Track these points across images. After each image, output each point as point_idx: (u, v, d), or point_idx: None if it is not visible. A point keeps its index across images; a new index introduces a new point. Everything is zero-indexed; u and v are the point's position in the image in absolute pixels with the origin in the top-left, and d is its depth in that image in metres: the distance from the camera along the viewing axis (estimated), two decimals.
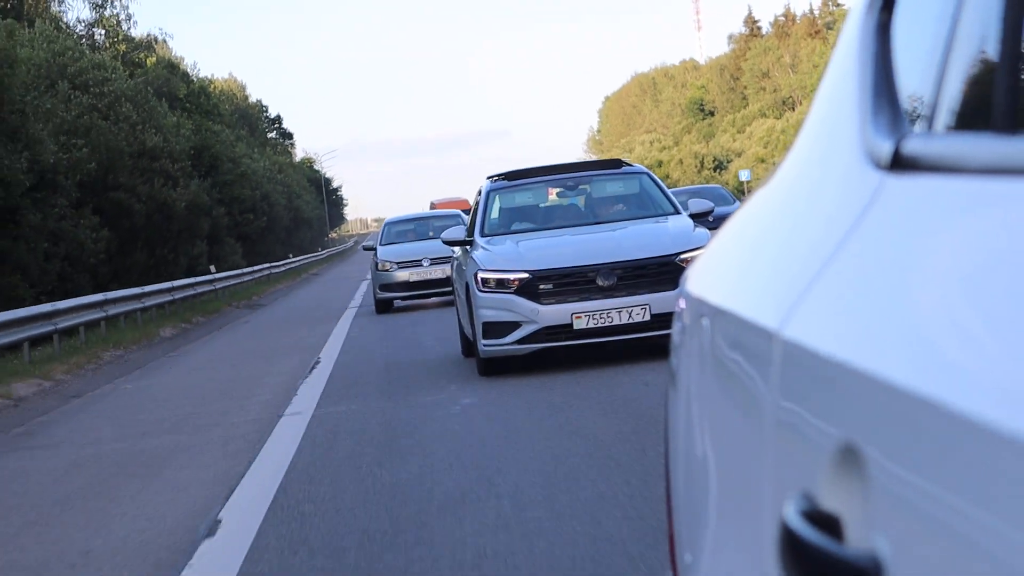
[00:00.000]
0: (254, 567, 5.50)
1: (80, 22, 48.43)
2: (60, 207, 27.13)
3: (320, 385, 12.36)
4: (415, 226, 26.87)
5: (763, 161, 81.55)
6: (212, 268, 38.55)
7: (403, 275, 24.40)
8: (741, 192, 61.18)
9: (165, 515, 6.96)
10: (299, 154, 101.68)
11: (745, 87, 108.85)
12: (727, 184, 70.56)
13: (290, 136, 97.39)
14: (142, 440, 10.21)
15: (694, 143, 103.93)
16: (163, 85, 46.11)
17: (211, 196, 41.87)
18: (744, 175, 60.80)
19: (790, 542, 1.10)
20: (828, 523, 1.08)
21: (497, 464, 7.18)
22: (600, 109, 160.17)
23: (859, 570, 1.00)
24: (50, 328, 19.98)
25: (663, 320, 10.92)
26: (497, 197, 13.05)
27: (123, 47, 47.05)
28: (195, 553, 5.90)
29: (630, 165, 13.47)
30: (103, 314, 23.21)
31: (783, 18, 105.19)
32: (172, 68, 52.92)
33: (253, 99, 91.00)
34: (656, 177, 13.28)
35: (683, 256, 11.17)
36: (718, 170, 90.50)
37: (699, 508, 1.59)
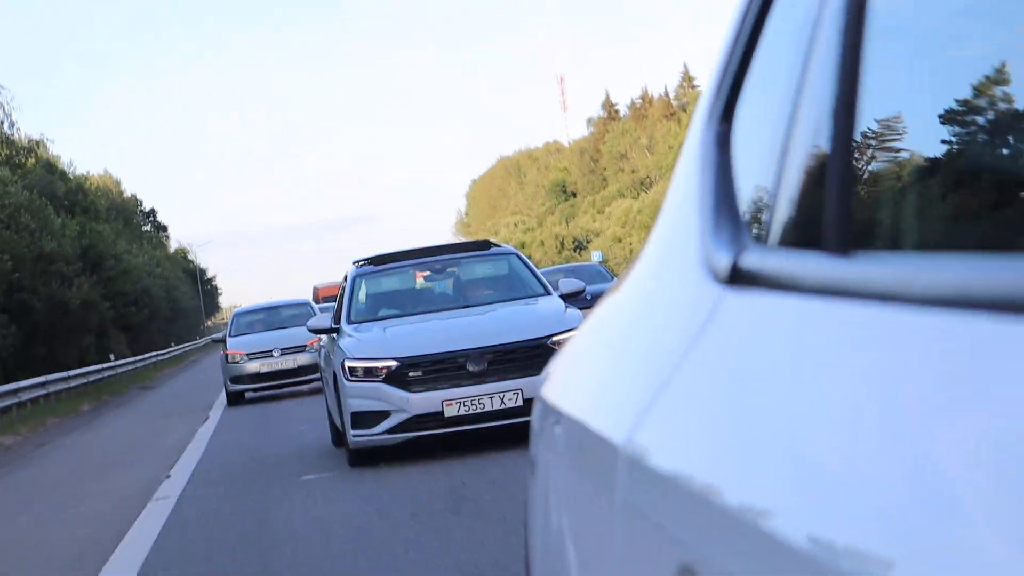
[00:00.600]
0: None
1: None
2: None
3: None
4: (264, 316, 26.44)
5: (620, 240, 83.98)
6: (111, 356, 44.17)
7: (253, 366, 23.95)
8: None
9: None
10: (173, 245, 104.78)
11: (604, 168, 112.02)
12: None
13: (164, 228, 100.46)
14: None
15: (556, 224, 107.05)
16: (46, 187, 48.40)
17: (97, 292, 45.90)
18: (596, 256, 61.45)
19: None
20: None
21: None
22: (467, 192, 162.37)
23: None
24: None
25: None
26: (363, 282, 12.74)
27: (6, 151, 49.33)
28: None
29: (498, 246, 13.28)
30: (16, 400, 27.34)
31: (640, 100, 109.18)
32: (51, 168, 55.59)
33: (128, 193, 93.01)
34: (525, 257, 13.10)
35: (555, 338, 10.95)
36: (578, 250, 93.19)
37: None
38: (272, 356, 23.95)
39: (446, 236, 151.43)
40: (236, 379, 23.85)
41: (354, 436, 10.97)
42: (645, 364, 1.39)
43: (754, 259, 1.27)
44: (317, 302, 30.13)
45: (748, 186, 1.40)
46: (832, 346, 1.01)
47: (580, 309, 11.74)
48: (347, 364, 11.09)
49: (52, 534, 10.05)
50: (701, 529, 1.06)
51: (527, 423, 9.07)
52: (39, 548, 9.31)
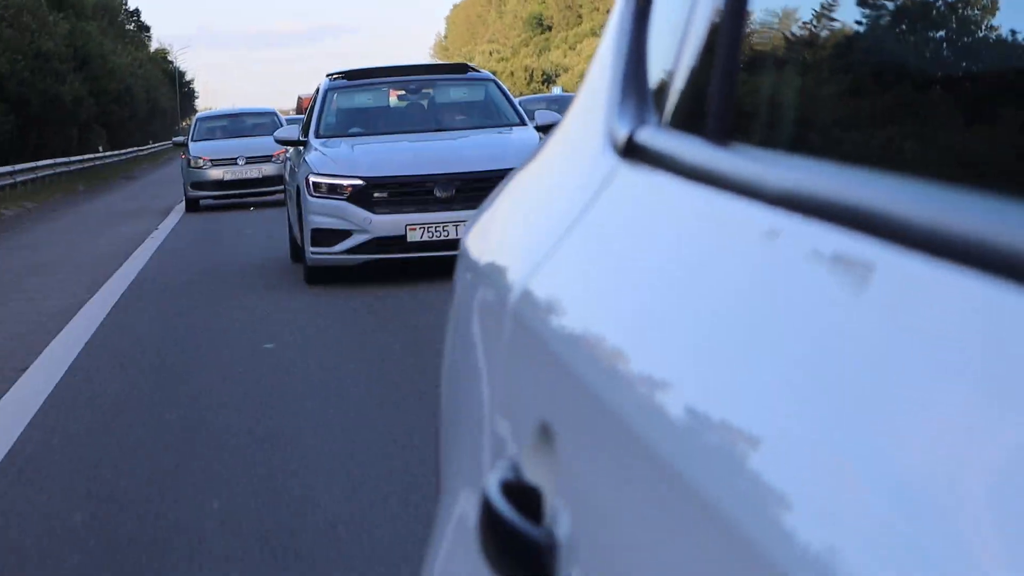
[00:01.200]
0: None
1: None
2: None
3: None
4: (228, 123, 25.24)
5: (584, 76, 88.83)
6: (100, 148, 50.86)
7: (216, 173, 22.95)
8: None
9: None
10: (154, 45, 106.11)
11: (581, 5, 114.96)
12: None
13: (147, 29, 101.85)
14: None
15: (528, 57, 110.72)
16: None
17: (84, 89, 49.93)
18: (556, 90, 61.60)
19: (488, 513, 1.12)
20: (530, 496, 1.11)
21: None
22: (448, 16, 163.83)
23: (539, 549, 1.04)
24: None
25: None
26: (335, 96, 12.38)
27: None
28: None
29: (476, 71, 12.92)
30: (11, 181, 31.78)
31: None
32: None
33: None
34: (503, 85, 12.73)
35: None
36: (546, 83, 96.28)
37: (447, 443, 1.64)
38: (236, 164, 23.00)
39: (424, 57, 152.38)
40: (197, 185, 23.01)
41: (312, 253, 10.76)
42: (541, 225, 1.43)
43: (648, 135, 1.28)
44: (301, 112, 29.62)
45: (656, 61, 1.40)
46: (696, 231, 1.07)
47: None
48: (311, 179, 10.82)
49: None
50: (560, 390, 1.12)
51: None
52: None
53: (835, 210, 0.83)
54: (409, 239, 10.48)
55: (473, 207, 10.07)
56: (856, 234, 0.79)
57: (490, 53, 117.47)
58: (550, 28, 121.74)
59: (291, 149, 12.61)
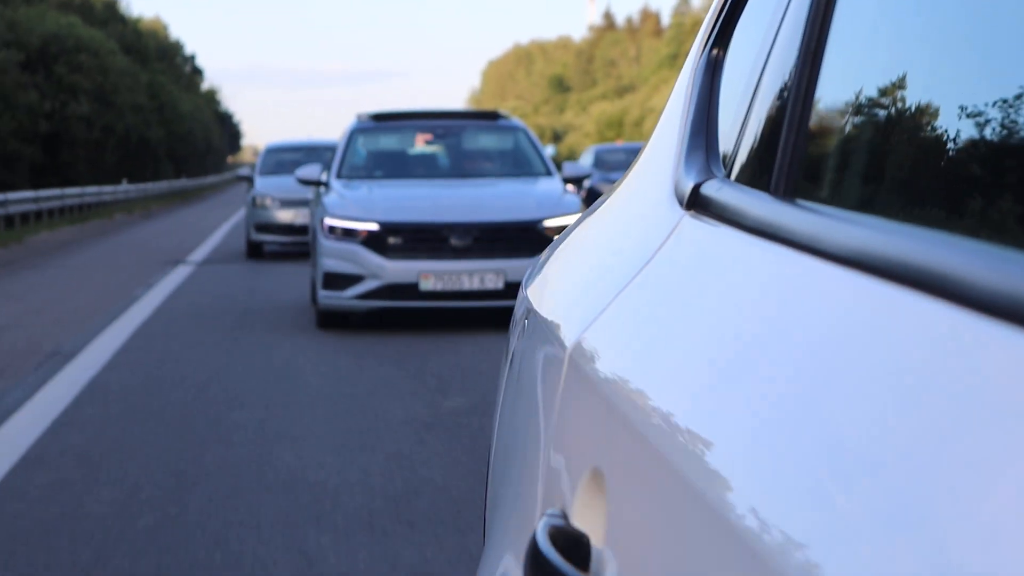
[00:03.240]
0: None
1: None
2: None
3: None
4: (303, 156, 21.31)
5: (587, 136, 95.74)
6: (183, 176, 70.00)
7: (285, 215, 19.66)
8: None
9: None
10: (204, 85, 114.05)
11: (596, 71, 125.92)
12: None
13: (200, 72, 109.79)
14: None
15: (546, 115, 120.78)
16: (111, 32, 60.94)
17: (162, 132, 65.37)
18: (549, 150, 64.24)
19: (535, 558, 1.12)
20: (576, 542, 1.11)
21: None
22: (483, 71, 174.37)
23: None
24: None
25: (518, 289, 10.11)
26: (360, 138, 12.14)
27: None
28: None
29: (507, 119, 12.63)
30: (114, 198, 44.28)
31: (638, 16, 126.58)
32: (112, 11, 68.67)
33: (173, 38, 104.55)
34: (532, 135, 12.50)
35: (546, 223, 10.37)
36: (555, 141, 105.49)
37: (496, 496, 1.64)
38: (309, 206, 20.02)
39: (460, 107, 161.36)
40: (262, 227, 19.73)
41: (324, 296, 10.50)
42: (603, 273, 1.45)
43: (714, 188, 1.30)
44: None
45: (726, 116, 1.43)
46: (758, 285, 1.08)
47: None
48: (326, 222, 10.61)
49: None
50: (613, 438, 1.13)
51: (506, 308, 8.43)
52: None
53: (901, 270, 0.83)
54: (422, 287, 10.23)
55: (489, 258, 9.67)
56: (922, 295, 0.79)
57: (513, 109, 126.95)
58: (569, 89, 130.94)
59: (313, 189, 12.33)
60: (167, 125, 67.05)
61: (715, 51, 1.55)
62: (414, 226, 10.38)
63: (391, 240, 10.35)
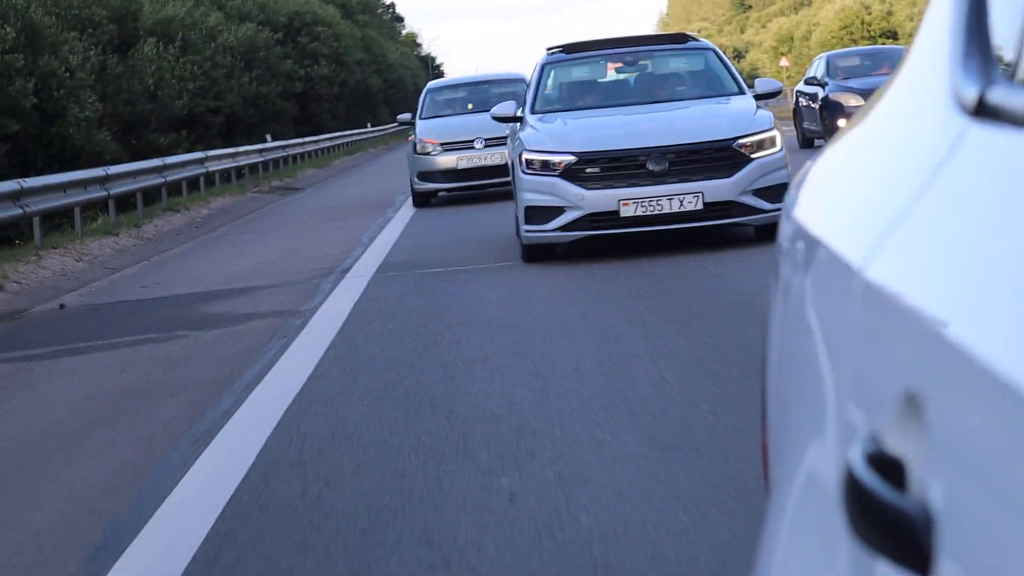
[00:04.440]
0: None
1: None
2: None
3: None
4: (467, 93, 20.03)
5: (764, 52, 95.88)
6: (368, 125, 70.96)
7: (448, 160, 18.29)
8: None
9: None
10: (403, 30, 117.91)
11: None
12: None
13: (401, 19, 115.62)
14: None
15: (729, 35, 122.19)
16: None
17: (379, 81, 74.63)
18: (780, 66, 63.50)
19: (852, 485, 1.12)
20: (893, 467, 1.10)
21: None
22: None
23: (912, 520, 1.02)
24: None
25: (717, 209, 10.25)
26: (553, 71, 12.29)
27: None
28: None
29: (696, 40, 12.62)
30: (346, 141, 53.68)
31: None
32: None
33: None
34: (723, 54, 12.42)
35: (741, 140, 10.39)
36: (736, 59, 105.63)
37: (783, 428, 1.60)
38: (474, 148, 18.27)
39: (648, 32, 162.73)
40: (425, 175, 18.43)
41: (527, 231, 10.69)
42: (887, 190, 1.40)
43: (1001, 94, 1.24)
44: None
45: (1001, 18, 1.36)
46: None
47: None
48: (524, 156, 10.76)
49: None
50: (931, 359, 1.09)
51: (706, 227, 8.57)
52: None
53: None
54: (622, 214, 10.33)
55: (687, 180, 9.73)
56: None
57: (698, 31, 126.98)
58: (750, 7, 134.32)
59: (509, 125, 12.51)
60: (382, 74, 76.41)
61: None
62: (610, 154, 10.44)
63: (588, 170, 10.44)
